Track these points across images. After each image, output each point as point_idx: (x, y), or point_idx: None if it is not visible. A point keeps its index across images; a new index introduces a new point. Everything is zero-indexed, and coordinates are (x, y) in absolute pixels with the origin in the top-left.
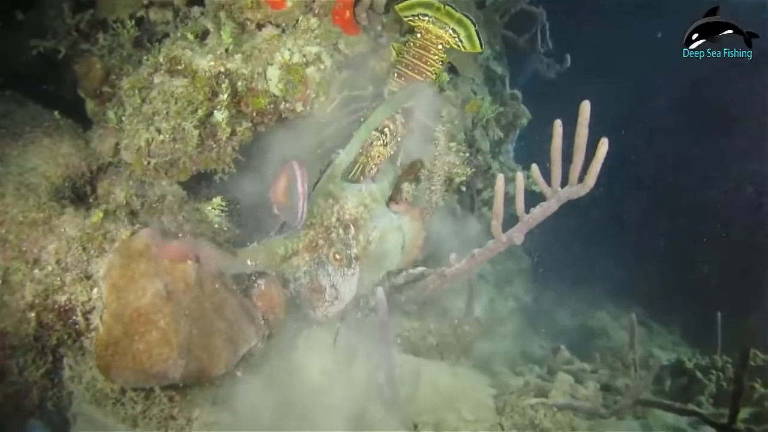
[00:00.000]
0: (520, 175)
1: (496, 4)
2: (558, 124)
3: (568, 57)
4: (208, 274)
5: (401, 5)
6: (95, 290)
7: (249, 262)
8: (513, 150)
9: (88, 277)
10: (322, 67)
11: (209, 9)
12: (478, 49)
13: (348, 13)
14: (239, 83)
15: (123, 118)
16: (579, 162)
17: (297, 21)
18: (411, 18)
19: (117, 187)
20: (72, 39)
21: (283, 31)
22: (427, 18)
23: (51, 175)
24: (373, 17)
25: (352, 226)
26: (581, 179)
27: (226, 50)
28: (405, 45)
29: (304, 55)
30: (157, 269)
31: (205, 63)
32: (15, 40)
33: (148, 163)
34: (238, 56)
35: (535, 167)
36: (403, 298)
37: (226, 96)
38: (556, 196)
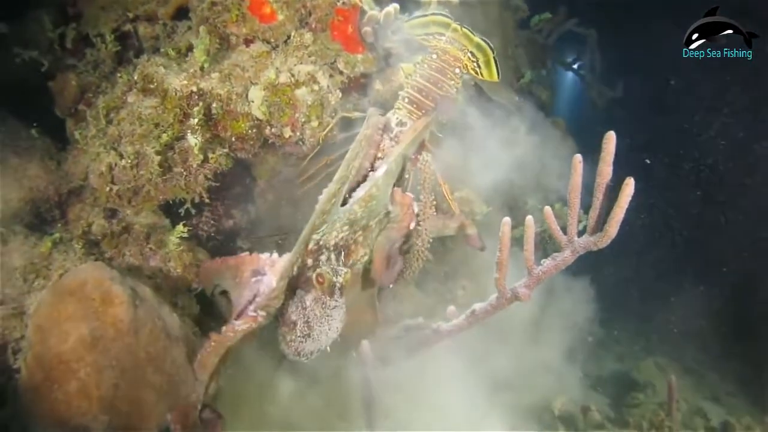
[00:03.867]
0: (530, 220)
1: (540, 24)
2: (577, 159)
3: (621, 84)
4: (147, 319)
5: (413, 22)
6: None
7: None
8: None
9: (23, 313)
10: (316, 88)
11: (194, 23)
12: (496, 78)
13: (350, 29)
14: (214, 105)
15: (88, 140)
16: (599, 206)
17: (289, 37)
18: (424, 37)
19: (88, 212)
20: (55, 53)
21: (274, 47)
22: (444, 38)
23: (12, 198)
24: (381, 34)
25: (343, 252)
26: (602, 227)
27: (201, 68)
28: (417, 66)
29: (293, 75)
30: (86, 312)
31: (177, 82)
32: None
33: (110, 189)
34: (215, 75)
35: (548, 210)
36: (392, 354)
37: (197, 119)
38: (571, 247)
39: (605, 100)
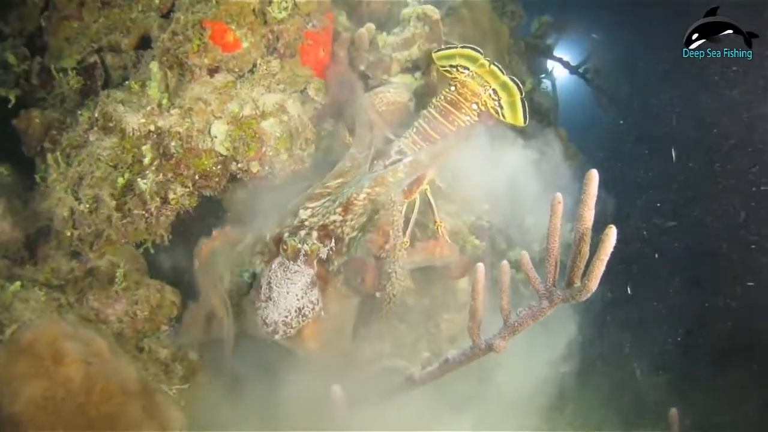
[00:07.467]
0: (505, 265)
1: (541, 29)
2: (557, 199)
3: (627, 85)
4: (100, 376)
5: (440, 53)
6: None
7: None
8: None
9: None
10: (284, 118)
11: (156, 54)
12: (521, 122)
13: (321, 53)
14: (173, 143)
15: (49, 183)
16: (580, 255)
17: (255, 65)
18: (448, 69)
19: (53, 255)
20: (23, 88)
21: (239, 77)
22: (467, 72)
23: None
24: (356, 56)
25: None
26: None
27: (159, 105)
28: (435, 98)
29: (258, 106)
30: (37, 371)
31: (135, 120)
32: None
33: (72, 234)
34: (175, 111)
35: (525, 255)
36: (365, 398)
37: (147, 160)
38: (549, 297)
39: (612, 103)
